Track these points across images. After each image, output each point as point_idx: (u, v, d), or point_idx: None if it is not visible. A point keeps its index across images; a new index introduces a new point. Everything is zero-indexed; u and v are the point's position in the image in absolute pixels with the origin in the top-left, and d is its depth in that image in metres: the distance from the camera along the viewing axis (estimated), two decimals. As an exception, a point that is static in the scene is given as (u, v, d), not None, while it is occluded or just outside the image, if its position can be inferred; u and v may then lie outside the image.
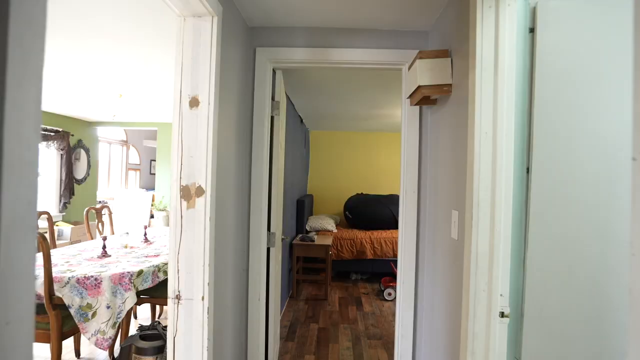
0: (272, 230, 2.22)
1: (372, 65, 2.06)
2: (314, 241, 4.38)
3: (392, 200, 5.49)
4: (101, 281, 2.26)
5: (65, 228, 5.25)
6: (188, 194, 1.46)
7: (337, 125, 5.93)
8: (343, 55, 2.02)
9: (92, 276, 2.26)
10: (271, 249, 2.22)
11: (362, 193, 6.13)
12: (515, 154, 1.30)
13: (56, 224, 5.35)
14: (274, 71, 2.22)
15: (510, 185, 1.29)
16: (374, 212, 5.31)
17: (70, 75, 3.45)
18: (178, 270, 1.47)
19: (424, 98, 1.82)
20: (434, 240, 1.83)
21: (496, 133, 1.28)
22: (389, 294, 4.33)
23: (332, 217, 5.93)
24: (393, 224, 5.35)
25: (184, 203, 1.47)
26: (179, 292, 1.47)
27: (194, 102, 1.47)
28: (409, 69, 1.84)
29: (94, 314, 2.23)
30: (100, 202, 7.92)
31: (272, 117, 2.21)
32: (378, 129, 6.22)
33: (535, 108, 1.29)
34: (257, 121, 2.09)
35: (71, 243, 5.10)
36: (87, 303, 2.23)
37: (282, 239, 2.86)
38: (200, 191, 1.46)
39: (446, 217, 1.65)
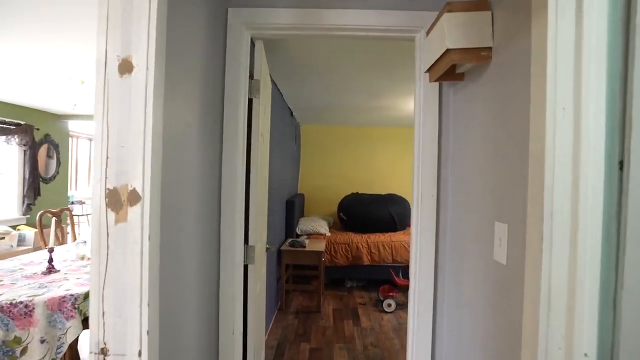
0: (250, 242, 1.76)
1: (378, 33, 1.61)
2: (305, 247, 3.93)
3: (390, 201, 5.06)
4: (33, 308, 1.77)
5: (28, 232, 4.71)
6: (117, 200, 1.00)
7: (330, 119, 5.48)
8: (340, 18, 1.57)
9: (21, 302, 1.77)
10: (250, 266, 1.76)
11: (357, 192, 5.69)
12: (605, 142, 0.87)
13: (18, 227, 4.80)
14: (252, 42, 1.75)
15: (600, 187, 0.85)
16: (370, 213, 4.88)
17: (27, 62, 2.95)
18: (103, 313, 1.01)
19: (449, 71, 1.38)
20: (462, 261, 1.39)
21: (580, 109, 0.84)
22: (389, 305, 3.90)
23: (325, 218, 5.48)
24: (391, 226, 4.93)
25: (111, 215, 1.00)
26: (104, 344, 1.01)
27: (126, 67, 1.00)
28: (428, 32, 1.39)
29: (23, 351, 1.75)
30: (73, 202, 7.36)
31: (250, 100, 1.75)
32: (375, 124, 5.78)
33: (636, 71, 0.85)
34: (230, 103, 1.62)
35: (34, 250, 4.57)
36: (15, 337, 1.75)
37: (267, 249, 2.41)
38: (134, 197, 1.00)
39: (483, 231, 1.21)
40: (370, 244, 4.59)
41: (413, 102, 4.15)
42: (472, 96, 1.35)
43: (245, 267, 1.74)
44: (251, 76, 1.76)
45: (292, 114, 4.84)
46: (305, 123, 5.92)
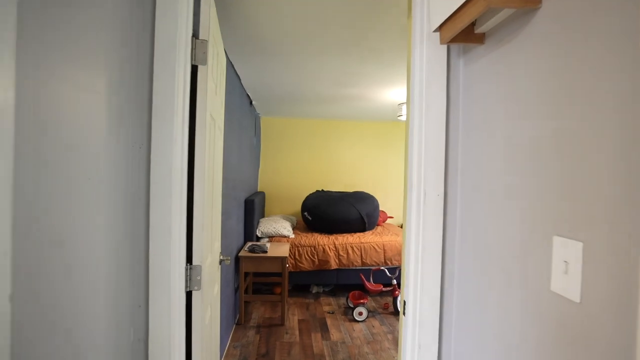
0: (196, 260, 1.31)
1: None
2: (266, 252, 3.48)
3: (359, 199, 4.73)
4: None
5: None
6: None
7: (294, 111, 5.04)
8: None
9: None
10: (194, 293, 1.31)
11: (323, 190, 5.31)
12: None
13: None
14: (197, -11, 1.29)
15: None
16: (338, 212, 4.52)
17: None
18: None
19: (467, 30, 1.02)
20: (488, 288, 1.03)
21: None
22: (360, 314, 3.56)
23: (288, 218, 5.05)
24: (360, 227, 4.60)
25: None
26: None
27: None
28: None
29: None
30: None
31: (194, 68, 1.29)
32: (343, 117, 5.42)
33: None
34: (163, 70, 1.15)
35: None
36: None
37: (222, 262, 1.95)
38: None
39: (526, 247, 0.86)
40: (338, 246, 4.23)
41: (385, 92, 3.84)
42: (502, 63, 0.99)
43: (188, 296, 1.28)
44: (195, 35, 1.30)
45: (251, 102, 4.35)
46: (266, 114, 5.43)
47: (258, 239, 4.22)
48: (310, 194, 5.06)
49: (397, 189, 5.99)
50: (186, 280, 1.25)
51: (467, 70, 1.20)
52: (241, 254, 3.40)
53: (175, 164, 1.17)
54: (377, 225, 5.21)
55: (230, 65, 2.88)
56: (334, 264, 4.16)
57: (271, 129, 5.64)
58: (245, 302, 3.68)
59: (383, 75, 3.17)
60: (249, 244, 3.72)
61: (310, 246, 4.20)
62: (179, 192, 1.18)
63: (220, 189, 1.97)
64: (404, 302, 1.33)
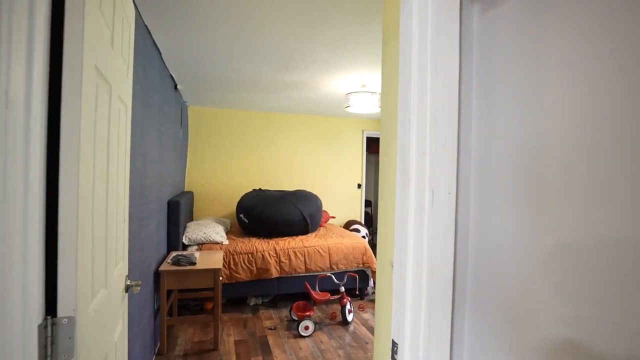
0: (64, 309, 0.78)
1: None
2: (195, 263, 2.91)
3: (301, 198, 4.32)
4: None
5: None
6: None
7: (227, 100, 4.46)
8: None
9: None
10: (65, 363, 0.78)
11: (260, 189, 4.81)
12: None
13: None
14: None
15: None
16: (278, 213, 4.06)
17: None
18: None
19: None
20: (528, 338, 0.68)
21: None
22: (306, 328, 3.16)
23: (221, 221, 4.46)
24: (303, 229, 4.20)
25: None
26: None
27: None
28: None
29: None
30: None
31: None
32: (282, 109, 4.95)
33: None
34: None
35: None
36: None
37: (129, 288, 1.41)
38: None
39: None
40: (280, 252, 3.78)
41: (332, 80, 3.47)
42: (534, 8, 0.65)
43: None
44: None
45: (176, 87, 3.70)
46: (195, 103, 4.76)
47: (185, 247, 3.59)
48: (246, 194, 4.53)
49: (339, 187, 5.70)
50: (45, 347, 0.72)
51: (485, 20, 0.85)
52: (163, 267, 2.79)
53: (17, 146, 0.64)
54: (320, 226, 4.86)
55: (146, 31, 2.27)
56: (275, 272, 3.70)
57: (201, 121, 4.97)
58: (169, 325, 3.06)
59: (333, 58, 2.79)
60: (174, 254, 3.10)
61: (247, 253, 3.69)
62: (23, 196, 0.65)
63: (126, 188, 1.41)
64: (394, 342, 0.95)
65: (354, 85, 3.56)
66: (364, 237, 5.12)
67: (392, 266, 0.97)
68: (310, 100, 4.37)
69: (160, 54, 2.75)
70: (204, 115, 4.97)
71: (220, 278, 2.93)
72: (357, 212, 5.87)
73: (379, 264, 1.18)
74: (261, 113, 5.24)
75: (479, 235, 0.83)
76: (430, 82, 0.84)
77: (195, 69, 3.17)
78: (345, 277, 3.61)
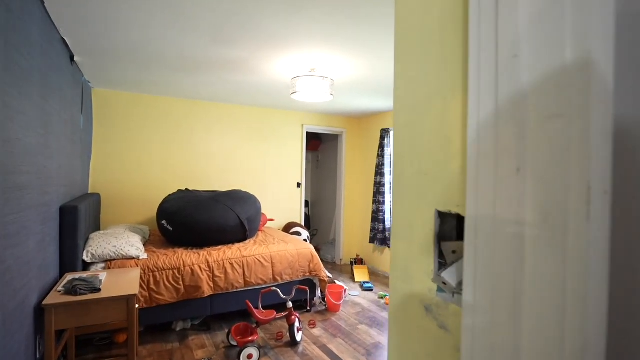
0: None
1: None
2: (99, 289, 2.18)
3: (237, 200, 3.73)
4: None
5: None
6: None
7: (146, 82, 3.66)
8: None
9: None
10: None
11: (188, 189, 4.09)
12: None
13: None
14: None
15: None
16: (211, 218, 3.42)
17: None
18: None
19: None
20: None
21: None
22: (249, 357, 2.61)
23: (138, 229, 3.66)
24: (240, 235, 3.63)
25: None
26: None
27: None
28: None
29: None
30: None
31: None
32: (213, 97, 4.27)
33: None
34: None
35: None
36: None
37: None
38: None
39: None
40: (213, 265, 3.16)
41: (276, 61, 2.93)
42: None
43: None
44: None
45: (72, 58, 2.85)
46: (102, 85, 3.86)
47: (86, 266, 2.79)
48: (170, 195, 3.79)
49: (278, 187, 5.19)
50: None
51: None
52: (49, 300, 2.02)
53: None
54: (259, 231, 4.31)
55: (12, -41, 1.54)
56: (207, 290, 3.07)
57: (110, 107, 4.07)
58: (62, 373, 2.27)
59: (280, 29, 2.29)
60: (69, 278, 2.32)
61: (172, 268, 3.00)
62: None
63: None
64: None
65: (301, 69, 3.10)
66: (305, 240, 4.68)
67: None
68: (249, 87, 3.79)
69: (42, 2, 1.97)
70: (114, 101, 4.08)
71: (137, 306, 2.24)
72: (297, 214, 5.42)
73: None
74: (189, 101, 4.49)
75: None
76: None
77: (98, 34, 2.41)
78: (294, 291, 3.13)
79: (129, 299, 2.14)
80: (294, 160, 5.34)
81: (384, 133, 5.04)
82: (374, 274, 5.15)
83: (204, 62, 3.00)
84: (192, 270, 3.05)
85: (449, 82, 0.64)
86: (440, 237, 0.79)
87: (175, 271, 3.00)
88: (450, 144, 0.71)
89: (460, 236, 0.72)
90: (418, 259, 0.82)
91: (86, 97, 3.56)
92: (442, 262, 0.79)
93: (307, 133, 6.05)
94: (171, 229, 3.41)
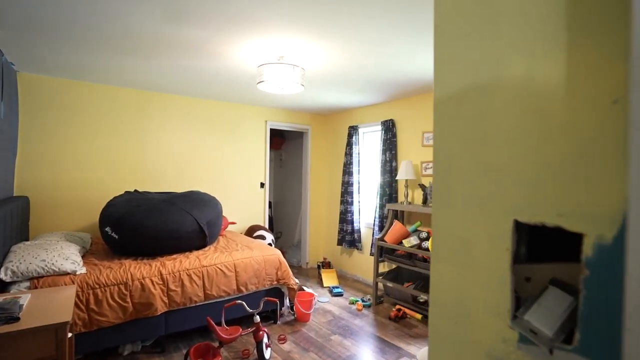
0: None
1: None
2: (18, 318, 1.73)
3: (195, 202, 3.33)
4: None
5: None
6: None
7: (83, 67, 3.15)
8: None
9: None
10: None
11: (137, 191, 3.61)
12: None
13: None
14: None
15: None
16: (165, 223, 3.00)
17: None
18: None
19: None
20: None
21: None
22: (211, 385, 2.26)
23: (76, 238, 3.14)
24: (199, 242, 3.24)
25: None
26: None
27: None
28: None
29: None
30: None
31: None
32: (166, 88, 3.80)
33: None
34: None
35: None
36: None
37: None
38: None
39: None
40: (167, 277, 2.75)
41: (241, 45, 2.54)
42: None
43: None
44: None
45: (-14, 32, 2.33)
46: (29, 68, 3.29)
47: (5, 286, 2.28)
48: (115, 198, 3.31)
49: (239, 187, 4.82)
50: None
51: None
52: (-53, 335, 1.55)
53: None
54: (221, 235, 3.92)
55: None
56: (161, 307, 2.67)
57: (42, 95, 3.49)
58: None
59: (246, 5, 1.97)
60: (-22, 303, 1.83)
61: (118, 284, 2.56)
62: None
63: None
64: None
65: (269, 56, 2.79)
66: (270, 244, 4.36)
67: None
68: (208, 77, 3.40)
69: None
70: (46, 88, 3.50)
71: (70, 335, 1.82)
72: (260, 216, 5.07)
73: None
74: (139, 92, 3.99)
75: None
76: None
77: (19, 0, 1.95)
78: (262, 304, 2.81)
79: (58, 329, 1.72)
80: (257, 159, 4.98)
81: (352, 130, 4.84)
82: (342, 278, 4.93)
83: (155, 43, 2.59)
84: (142, 284, 2.63)
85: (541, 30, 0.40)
86: (520, 260, 0.56)
87: (122, 286, 2.56)
88: (548, 118, 0.47)
89: (553, 257, 0.51)
90: (482, 291, 0.59)
91: (8, 82, 2.99)
92: (519, 296, 0.56)
93: (270, 130, 5.71)
94: (117, 236, 2.94)
